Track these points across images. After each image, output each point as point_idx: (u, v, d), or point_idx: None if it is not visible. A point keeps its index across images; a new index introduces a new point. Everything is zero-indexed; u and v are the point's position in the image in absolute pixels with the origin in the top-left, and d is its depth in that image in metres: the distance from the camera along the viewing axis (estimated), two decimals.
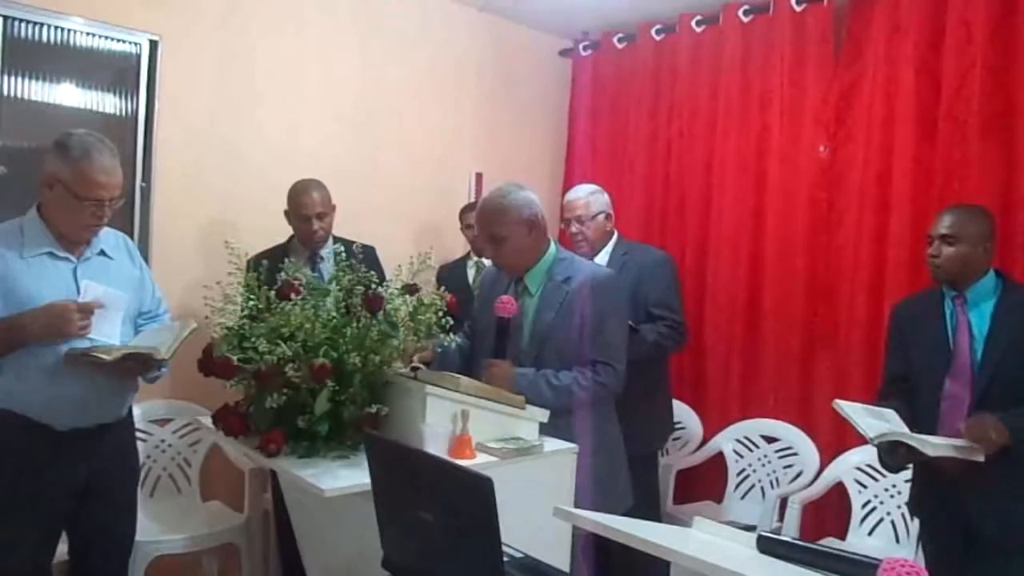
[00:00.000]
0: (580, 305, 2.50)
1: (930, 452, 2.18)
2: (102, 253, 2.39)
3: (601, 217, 3.29)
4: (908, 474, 3.10)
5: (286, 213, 3.30)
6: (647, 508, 3.10)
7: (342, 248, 2.51)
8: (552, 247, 2.63)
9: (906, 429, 2.33)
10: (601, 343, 2.50)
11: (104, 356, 2.17)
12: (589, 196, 3.30)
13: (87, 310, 2.21)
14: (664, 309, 3.19)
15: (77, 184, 2.20)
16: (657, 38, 4.38)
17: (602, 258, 3.27)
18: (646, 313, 3.15)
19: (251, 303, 2.27)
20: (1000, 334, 2.39)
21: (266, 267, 2.37)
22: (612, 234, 3.35)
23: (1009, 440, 2.20)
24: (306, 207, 3.21)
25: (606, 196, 3.35)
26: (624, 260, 3.24)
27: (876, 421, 2.36)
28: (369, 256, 3.29)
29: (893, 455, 2.31)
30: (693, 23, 4.19)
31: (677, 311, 3.25)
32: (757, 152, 3.93)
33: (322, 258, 3.26)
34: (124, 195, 2.31)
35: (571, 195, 3.37)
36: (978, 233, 2.43)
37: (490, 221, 2.55)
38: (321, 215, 3.22)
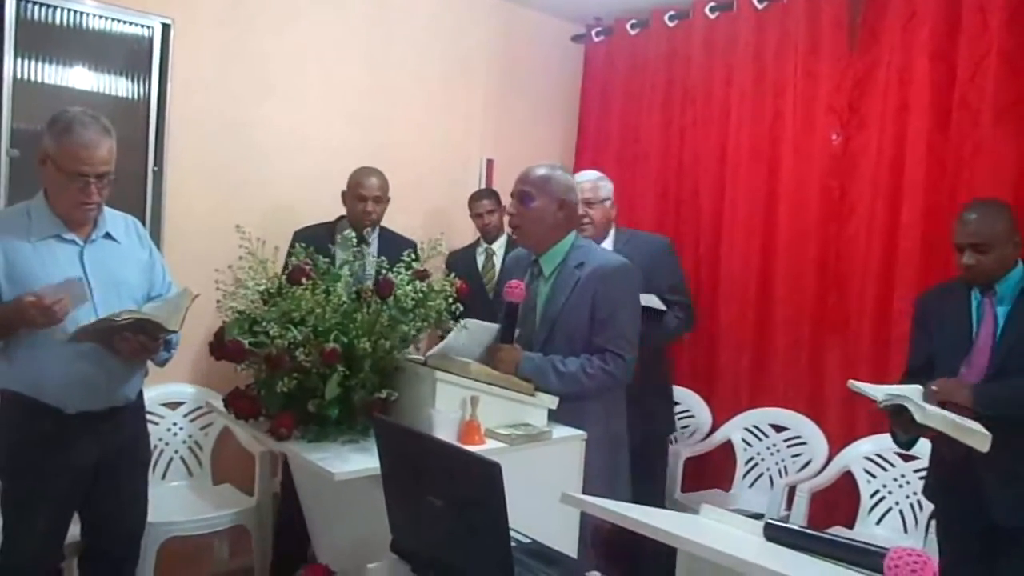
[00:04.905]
0: (591, 291, 2.49)
1: (919, 418, 2.17)
2: (108, 236, 2.38)
3: (608, 203, 3.30)
4: (918, 464, 3.11)
5: (343, 194, 3.47)
6: (654, 497, 3.12)
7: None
8: (572, 234, 2.63)
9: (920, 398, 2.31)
10: (611, 332, 2.48)
11: (115, 319, 2.16)
12: (597, 180, 3.31)
13: (56, 299, 2.12)
14: (678, 294, 3.28)
15: (60, 158, 2.19)
16: (670, 24, 4.35)
17: (606, 246, 3.23)
18: (661, 299, 3.15)
19: (263, 287, 2.29)
20: (1018, 319, 2.39)
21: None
22: (612, 223, 3.36)
23: (970, 403, 2.25)
24: (366, 188, 3.41)
25: (611, 184, 3.36)
26: (629, 248, 3.20)
27: (891, 390, 2.36)
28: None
29: (900, 420, 2.30)
30: (707, 9, 4.16)
31: (687, 294, 3.38)
32: (770, 140, 3.91)
33: (367, 243, 3.37)
34: (111, 174, 2.26)
35: (578, 177, 3.27)
36: (1005, 231, 2.41)
37: (529, 180, 2.58)
38: (378, 199, 3.43)
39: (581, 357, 2.46)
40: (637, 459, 3.14)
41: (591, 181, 3.30)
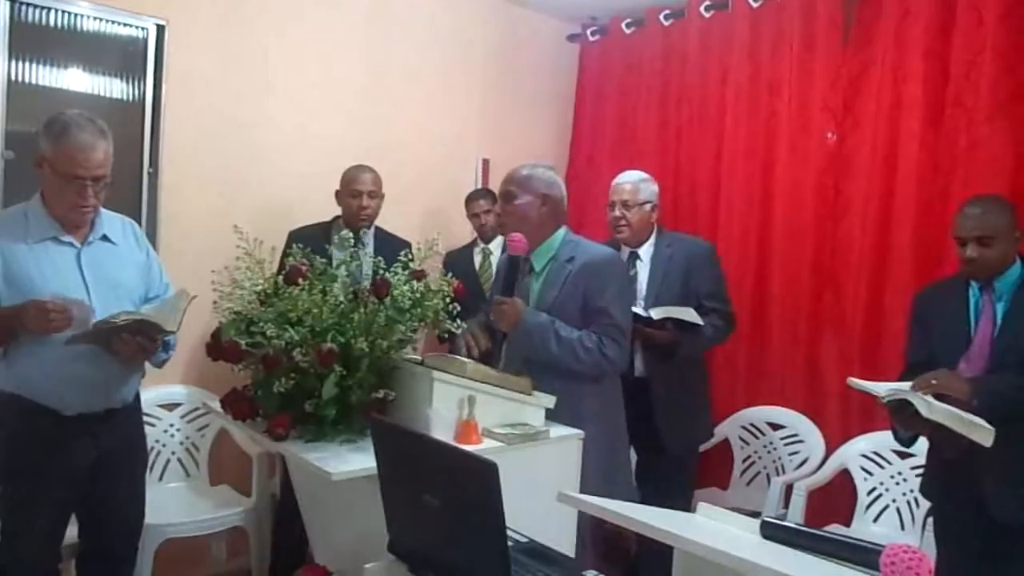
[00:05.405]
0: (582, 285, 2.51)
1: (924, 412, 2.15)
2: (105, 238, 2.38)
3: (648, 207, 3.22)
4: (915, 461, 3.12)
5: (337, 193, 3.45)
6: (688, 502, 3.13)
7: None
8: (562, 230, 2.64)
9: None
10: (607, 321, 2.49)
11: (113, 320, 2.17)
12: (639, 183, 3.23)
13: (60, 308, 2.14)
14: (717, 301, 3.21)
15: (56, 161, 2.19)
16: (665, 23, 4.35)
17: (646, 250, 3.24)
18: (698, 305, 3.13)
19: (260, 287, 2.29)
20: (1017, 315, 2.39)
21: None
22: (654, 226, 3.29)
23: (967, 396, 2.22)
24: (360, 183, 3.41)
25: (655, 187, 3.28)
26: (670, 252, 3.22)
27: (892, 386, 2.35)
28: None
29: (902, 416, 2.28)
30: (702, 8, 4.16)
31: (727, 301, 3.30)
32: (765, 138, 3.91)
33: (363, 244, 3.36)
34: (108, 177, 2.27)
35: (620, 179, 3.28)
36: (1008, 225, 2.41)
37: (511, 180, 2.66)
38: (372, 194, 3.43)
39: (582, 331, 2.47)
40: (678, 465, 3.17)
41: (631, 183, 3.22)
